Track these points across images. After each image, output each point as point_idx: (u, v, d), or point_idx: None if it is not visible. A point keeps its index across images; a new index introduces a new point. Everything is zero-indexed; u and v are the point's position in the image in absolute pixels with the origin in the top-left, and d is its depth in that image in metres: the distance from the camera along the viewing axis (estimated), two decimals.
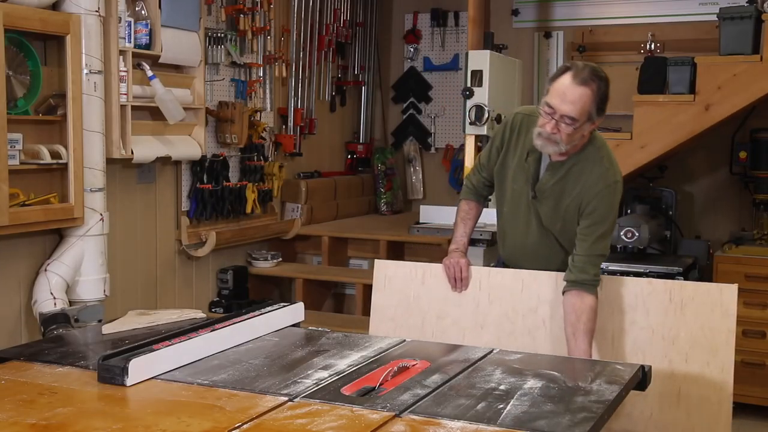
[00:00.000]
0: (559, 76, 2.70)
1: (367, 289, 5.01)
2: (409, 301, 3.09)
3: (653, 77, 4.64)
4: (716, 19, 4.47)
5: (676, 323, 2.71)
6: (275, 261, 5.18)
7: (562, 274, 2.85)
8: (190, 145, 4.40)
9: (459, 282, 3.06)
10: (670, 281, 2.85)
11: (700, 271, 4.96)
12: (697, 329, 2.69)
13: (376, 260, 3.21)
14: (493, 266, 3.23)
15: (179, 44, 4.25)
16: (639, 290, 2.80)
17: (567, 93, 2.65)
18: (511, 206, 3.01)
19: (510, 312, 2.92)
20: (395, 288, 3.12)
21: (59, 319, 3.40)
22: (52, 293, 3.60)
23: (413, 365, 2.32)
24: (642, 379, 2.34)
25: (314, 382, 2.16)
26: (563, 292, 2.80)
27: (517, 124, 2.97)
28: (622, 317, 2.78)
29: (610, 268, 4.31)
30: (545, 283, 2.89)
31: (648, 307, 2.76)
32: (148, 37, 4.07)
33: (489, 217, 3.50)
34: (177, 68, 4.37)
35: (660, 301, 2.75)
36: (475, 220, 3.19)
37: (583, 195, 2.82)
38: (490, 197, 3.23)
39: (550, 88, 2.72)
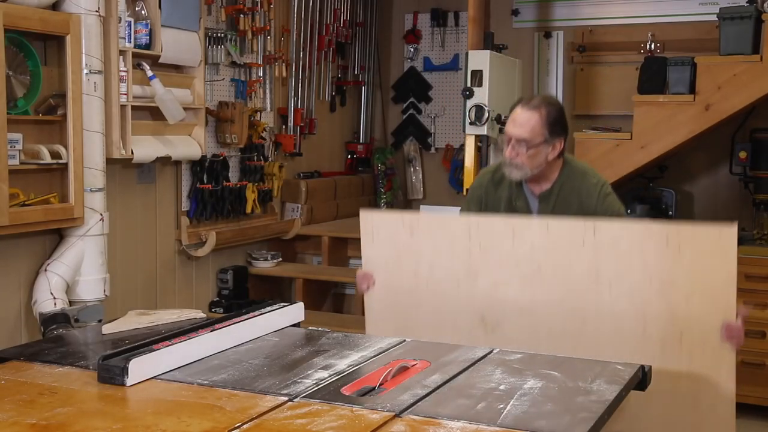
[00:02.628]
0: (513, 108, 2.98)
1: None
2: (399, 253, 3.04)
3: (653, 77, 4.64)
4: (716, 19, 4.48)
5: (674, 267, 2.67)
6: (275, 261, 5.18)
7: (553, 220, 2.87)
8: (190, 145, 4.41)
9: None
10: (666, 225, 2.80)
11: None
12: (696, 273, 2.65)
13: (360, 210, 3.11)
14: None
15: (179, 44, 4.25)
16: (635, 235, 2.76)
17: (517, 119, 2.92)
18: None
19: (504, 260, 2.88)
20: (383, 240, 3.07)
21: (59, 319, 3.40)
22: (52, 293, 3.60)
23: (413, 365, 2.32)
24: (642, 379, 2.34)
25: (314, 382, 2.16)
26: None
27: (485, 182, 3.16)
28: (619, 262, 2.75)
29: None
30: (537, 231, 2.86)
31: (644, 251, 2.73)
32: (148, 37, 4.07)
33: None
34: (177, 68, 4.37)
35: (657, 246, 2.70)
36: None
37: (587, 210, 2.97)
38: None
39: (508, 120, 3.00)
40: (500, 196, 3.10)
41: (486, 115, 4.41)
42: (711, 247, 2.64)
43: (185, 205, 4.60)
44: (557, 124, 2.92)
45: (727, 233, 2.63)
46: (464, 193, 4.48)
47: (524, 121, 2.89)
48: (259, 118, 5.01)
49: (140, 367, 2.16)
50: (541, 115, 2.89)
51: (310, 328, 2.84)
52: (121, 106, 3.89)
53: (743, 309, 2.60)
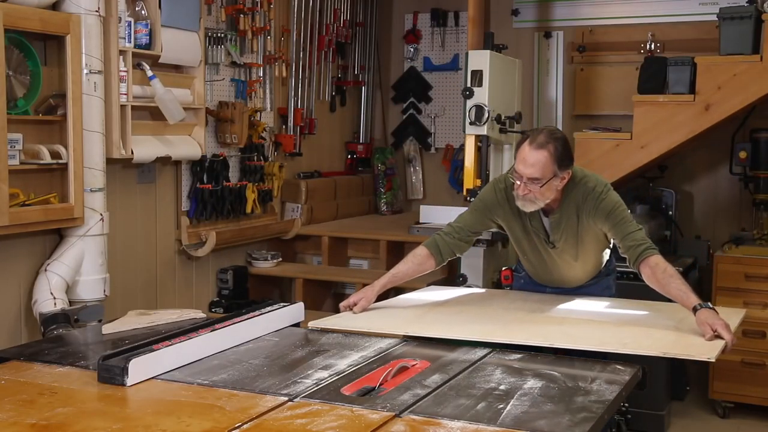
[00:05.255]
0: (521, 145, 3.01)
1: None
2: None
3: (653, 77, 4.64)
4: (716, 19, 4.47)
5: None
6: (275, 261, 5.18)
7: None
8: (190, 145, 4.40)
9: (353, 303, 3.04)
10: None
11: (700, 271, 4.96)
12: None
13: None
14: (512, 269, 3.52)
15: (179, 44, 4.25)
16: None
17: (528, 158, 2.95)
18: (535, 255, 3.26)
19: None
20: None
21: (59, 319, 3.40)
22: (52, 293, 3.60)
23: (413, 365, 2.32)
24: (642, 379, 2.34)
25: (314, 382, 2.17)
26: (639, 274, 2.99)
27: (500, 198, 3.17)
28: None
29: None
30: None
31: None
32: (148, 37, 4.06)
33: None
34: (177, 68, 4.37)
35: None
36: (417, 267, 3.23)
37: (592, 220, 3.07)
38: (447, 258, 3.27)
39: (516, 156, 3.02)
40: (515, 212, 3.14)
41: (486, 115, 4.40)
42: None
43: (185, 205, 4.59)
44: (565, 157, 2.98)
45: None
46: (464, 192, 4.47)
47: (534, 161, 2.92)
48: (259, 118, 5.00)
49: (140, 367, 2.16)
50: (550, 152, 2.92)
51: (310, 328, 2.84)
52: (121, 106, 3.89)
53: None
